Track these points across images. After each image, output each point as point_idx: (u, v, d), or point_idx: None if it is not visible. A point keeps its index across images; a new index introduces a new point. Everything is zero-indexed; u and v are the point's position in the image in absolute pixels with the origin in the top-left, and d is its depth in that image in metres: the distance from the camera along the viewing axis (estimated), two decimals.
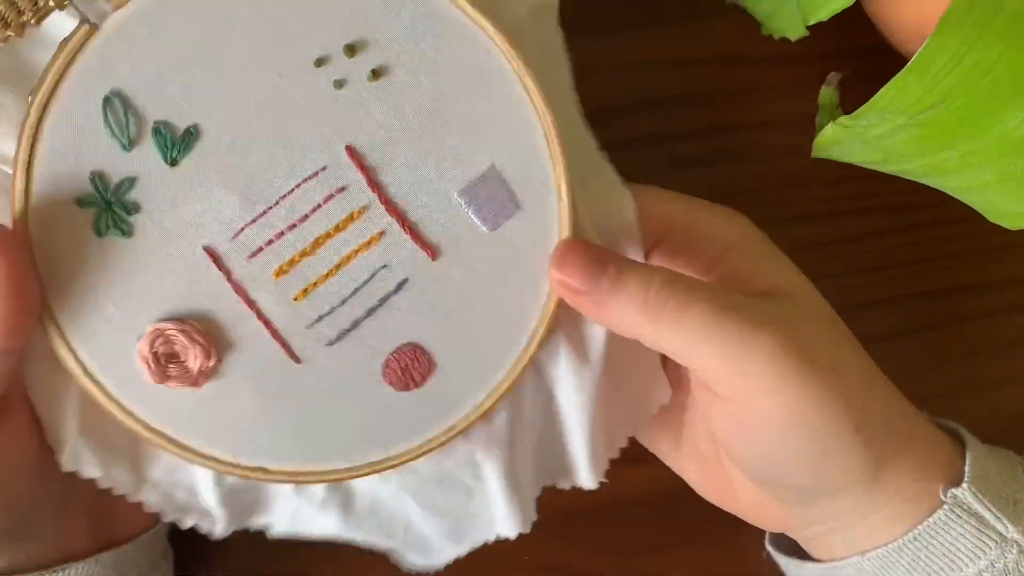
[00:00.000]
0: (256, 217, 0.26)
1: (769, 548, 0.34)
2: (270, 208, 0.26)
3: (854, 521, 0.29)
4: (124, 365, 0.27)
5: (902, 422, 0.30)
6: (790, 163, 0.41)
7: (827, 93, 0.32)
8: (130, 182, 0.26)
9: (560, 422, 0.30)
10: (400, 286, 0.27)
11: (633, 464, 0.32)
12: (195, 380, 0.27)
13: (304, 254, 0.27)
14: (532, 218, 0.27)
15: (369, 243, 0.27)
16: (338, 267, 0.27)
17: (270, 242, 0.27)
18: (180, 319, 0.26)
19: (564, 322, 0.28)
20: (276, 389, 0.27)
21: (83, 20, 0.25)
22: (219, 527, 0.30)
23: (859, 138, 0.31)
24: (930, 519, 0.28)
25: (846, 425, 0.26)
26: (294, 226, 0.27)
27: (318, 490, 0.29)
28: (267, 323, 0.27)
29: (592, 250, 0.26)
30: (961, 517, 0.28)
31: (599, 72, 0.42)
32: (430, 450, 0.28)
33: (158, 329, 0.26)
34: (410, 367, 0.27)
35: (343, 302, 0.27)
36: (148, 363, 0.26)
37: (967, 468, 0.28)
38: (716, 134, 0.41)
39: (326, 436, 0.28)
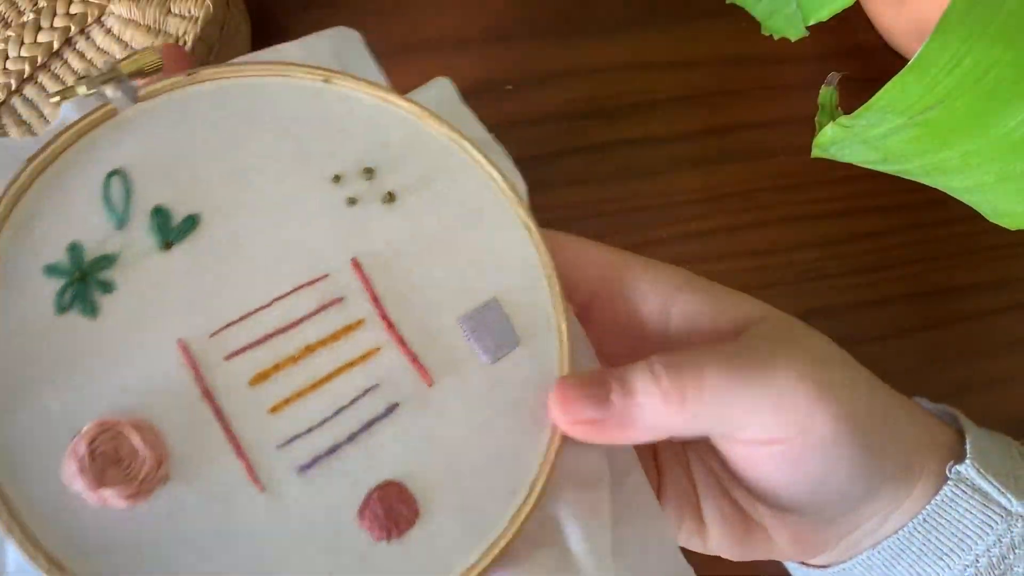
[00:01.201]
0: (244, 316, 0.24)
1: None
2: (261, 308, 0.24)
3: (890, 512, 0.29)
4: (42, 469, 0.22)
5: (915, 412, 0.30)
6: (790, 163, 0.41)
7: (827, 93, 0.32)
8: (111, 260, 0.24)
9: None
10: (390, 410, 0.24)
11: None
12: (136, 491, 0.22)
13: (289, 361, 0.24)
14: (531, 355, 0.26)
15: (362, 358, 0.25)
16: (324, 380, 0.24)
17: (254, 344, 0.24)
18: (131, 418, 0.23)
19: (565, 479, 0.25)
20: (228, 521, 0.23)
21: (104, 101, 0.25)
22: None
23: (859, 138, 0.31)
24: (937, 497, 0.28)
25: (881, 428, 0.27)
26: (283, 331, 0.24)
27: None
28: (232, 436, 0.23)
29: (585, 378, 0.25)
30: (966, 492, 0.28)
31: (599, 72, 0.42)
32: None
33: (106, 423, 0.22)
34: (394, 510, 0.24)
35: (323, 422, 0.24)
36: (82, 462, 0.22)
37: (968, 446, 0.28)
38: (716, 134, 0.41)
39: None
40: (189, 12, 0.35)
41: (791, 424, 0.26)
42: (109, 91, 0.25)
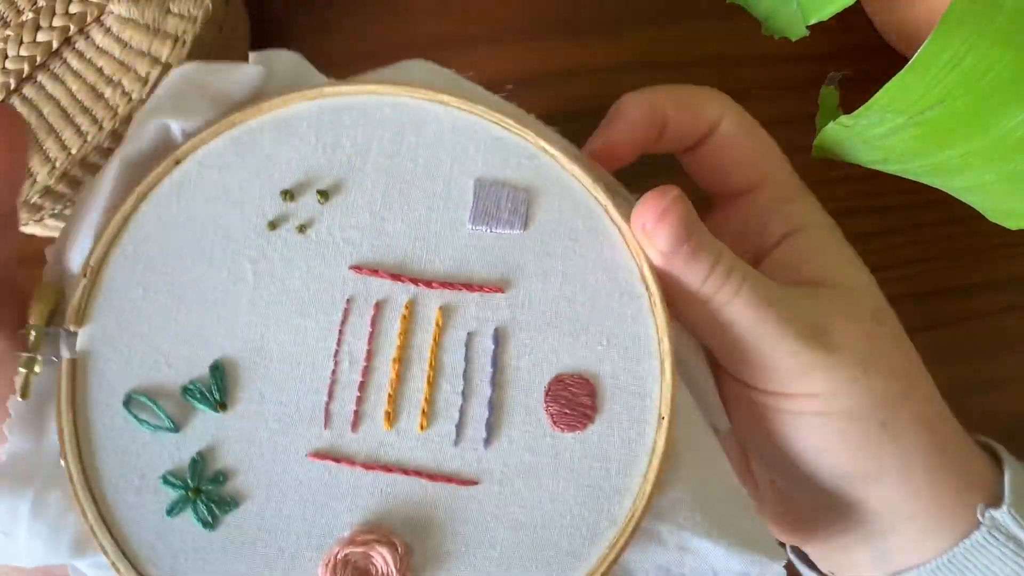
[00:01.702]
0: (329, 387, 0.25)
1: (791, 557, 0.33)
2: (333, 370, 0.25)
3: (884, 530, 0.28)
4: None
5: (941, 427, 0.29)
6: (791, 162, 0.41)
7: (827, 93, 0.32)
8: (217, 463, 0.24)
9: None
10: (498, 336, 0.25)
11: None
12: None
13: (393, 383, 0.25)
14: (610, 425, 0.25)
15: (438, 323, 0.25)
16: (432, 367, 0.25)
17: (358, 399, 0.25)
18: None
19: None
20: (471, 528, 0.24)
21: (52, 359, 0.25)
22: None
23: (859, 138, 0.31)
24: (967, 540, 0.27)
25: (871, 416, 0.27)
26: (365, 367, 0.25)
27: None
28: (418, 473, 0.24)
29: (687, 219, 0.25)
30: (999, 539, 0.27)
31: (599, 72, 0.42)
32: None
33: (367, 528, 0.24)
34: (579, 394, 0.24)
35: (464, 396, 0.24)
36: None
37: (1007, 489, 0.27)
38: None
39: (551, 536, 0.24)
40: (188, 12, 0.35)
41: (784, 377, 0.26)
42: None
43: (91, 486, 0.24)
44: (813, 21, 0.35)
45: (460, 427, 0.24)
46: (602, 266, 0.25)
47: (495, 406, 0.24)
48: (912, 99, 0.27)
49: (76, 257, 0.25)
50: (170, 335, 0.25)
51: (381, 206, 0.26)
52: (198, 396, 0.25)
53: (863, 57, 0.43)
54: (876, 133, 0.30)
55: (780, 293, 0.27)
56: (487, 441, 0.24)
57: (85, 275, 0.25)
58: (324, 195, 0.26)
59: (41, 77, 0.35)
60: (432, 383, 0.25)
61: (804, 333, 0.26)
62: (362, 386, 0.25)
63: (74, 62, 0.35)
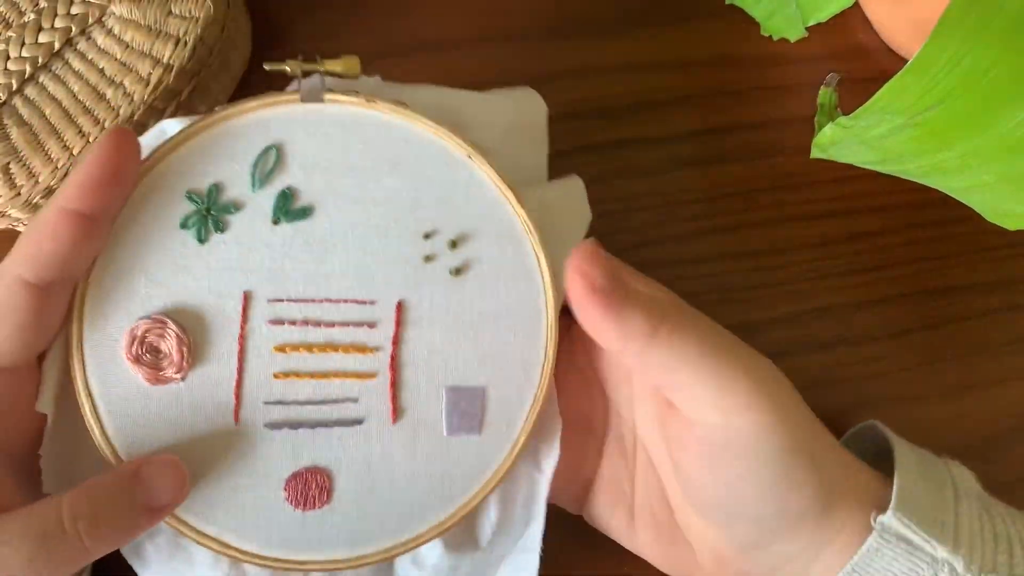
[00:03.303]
0: (299, 299, 0.30)
1: None
2: (314, 301, 0.30)
3: (809, 560, 0.29)
4: (117, 326, 0.29)
5: (842, 455, 0.30)
6: (790, 163, 0.41)
7: (826, 93, 0.32)
8: (235, 208, 0.30)
9: None
10: (354, 422, 0.30)
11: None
12: (154, 378, 0.29)
13: (308, 349, 0.30)
14: (483, 448, 0.30)
15: (359, 375, 0.30)
16: (324, 375, 0.30)
17: (293, 323, 0.30)
18: (179, 322, 0.29)
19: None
20: (206, 430, 0.29)
21: (300, 79, 0.30)
22: None
23: (858, 138, 0.31)
24: (862, 548, 0.28)
25: (804, 450, 0.28)
26: (319, 324, 0.30)
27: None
28: (240, 376, 0.29)
29: (612, 260, 0.28)
30: (890, 542, 0.28)
31: (599, 72, 0.42)
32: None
33: (158, 320, 0.29)
34: (311, 490, 0.30)
35: (305, 403, 0.30)
36: (133, 341, 0.29)
37: (894, 494, 0.29)
38: (716, 134, 0.41)
39: (215, 492, 0.29)
40: (190, 12, 0.35)
41: (725, 409, 0.27)
42: (305, 81, 0.30)
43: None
44: (812, 22, 0.35)
45: (278, 403, 0.30)
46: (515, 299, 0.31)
47: (296, 428, 0.30)
48: (911, 100, 0.27)
49: None
50: (330, 169, 0.30)
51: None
52: (281, 201, 0.30)
53: (863, 57, 0.43)
54: (875, 134, 0.30)
55: (727, 336, 0.29)
56: (270, 426, 0.29)
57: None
58: (456, 271, 0.31)
59: (43, 78, 0.35)
60: (312, 377, 0.30)
61: (753, 367, 0.28)
62: (304, 323, 0.30)
63: (76, 63, 0.35)
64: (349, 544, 0.30)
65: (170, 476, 0.28)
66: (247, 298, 0.29)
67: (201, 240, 0.29)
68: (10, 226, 0.36)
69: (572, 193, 0.34)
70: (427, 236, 0.30)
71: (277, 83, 0.30)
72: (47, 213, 0.27)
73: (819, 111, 0.32)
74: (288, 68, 0.29)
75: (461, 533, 0.31)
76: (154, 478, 0.27)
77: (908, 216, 0.41)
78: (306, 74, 0.30)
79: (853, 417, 0.39)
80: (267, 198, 0.30)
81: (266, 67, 0.29)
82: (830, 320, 0.40)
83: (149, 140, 0.31)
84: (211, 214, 0.29)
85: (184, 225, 0.29)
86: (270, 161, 0.30)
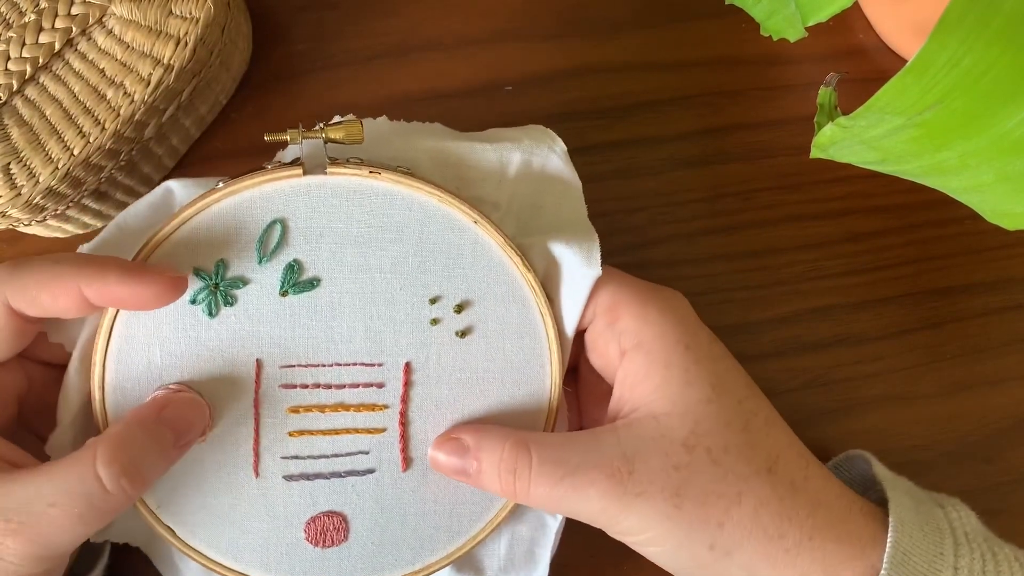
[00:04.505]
0: (310, 364, 0.31)
1: None
2: (324, 365, 0.31)
3: None
4: (137, 397, 0.31)
5: (825, 497, 0.30)
6: (790, 163, 0.41)
7: (826, 93, 0.32)
8: (242, 283, 0.31)
9: None
10: (366, 472, 0.32)
11: None
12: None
13: (320, 409, 0.31)
14: (478, 500, 0.32)
15: (369, 431, 0.32)
16: (336, 432, 0.32)
17: (304, 386, 0.31)
18: (193, 387, 0.31)
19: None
20: (229, 481, 0.32)
21: (297, 161, 0.31)
22: None
23: (858, 138, 0.31)
24: None
25: (695, 542, 0.28)
26: (329, 387, 0.31)
27: None
28: (256, 434, 0.31)
29: (459, 442, 0.31)
30: None
31: (599, 73, 0.42)
32: None
33: (176, 389, 0.31)
34: (328, 530, 0.32)
35: (319, 457, 0.32)
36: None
37: (887, 554, 0.28)
38: (716, 134, 0.41)
39: (236, 535, 0.32)
40: (190, 13, 0.35)
41: (610, 524, 0.30)
42: (306, 148, 0.30)
43: None
44: (812, 22, 0.35)
45: (294, 458, 0.32)
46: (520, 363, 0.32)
47: (312, 479, 0.32)
48: (910, 100, 0.27)
49: None
50: (335, 241, 0.31)
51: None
52: (288, 274, 0.31)
53: (862, 57, 0.43)
54: (874, 134, 0.30)
55: (575, 457, 0.29)
56: (288, 479, 0.32)
57: None
58: (461, 333, 0.32)
59: (43, 78, 0.35)
60: (325, 434, 0.32)
61: (607, 485, 0.28)
62: (316, 387, 0.32)
63: (76, 63, 0.35)
64: (367, 574, 0.32)
65: (191, 409, 0.30)
66: (259, 365, 0.31)
67: (211, 315, 0.31)
68: (10, 226, 0.36)
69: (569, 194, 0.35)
70: (433, 301, 0.31)
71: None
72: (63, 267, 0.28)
73: (819, 111, 0.32)
74: (288, 138, 0.30)
75: (469, 563, 0.34)
76: (178, 418, 0.29)
77: (908, 216, 0.41)
78: (308, 138, 0.30)
79: (853, 417, 0.39)
80: (274, 271, 0.31)
81: (266, 138, 0.30)
82: (829, 320, 0.40)
83: (154, 199, 0.32)
84: (219, 289, 0.31)
85: (194, 301, 0.30)
86: (275, 236, 0.31)
